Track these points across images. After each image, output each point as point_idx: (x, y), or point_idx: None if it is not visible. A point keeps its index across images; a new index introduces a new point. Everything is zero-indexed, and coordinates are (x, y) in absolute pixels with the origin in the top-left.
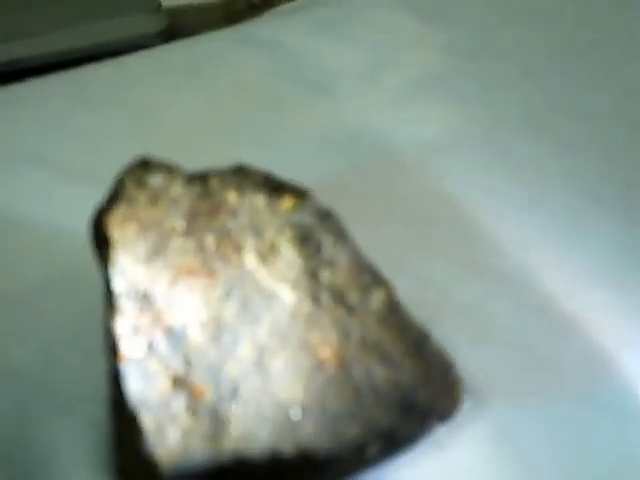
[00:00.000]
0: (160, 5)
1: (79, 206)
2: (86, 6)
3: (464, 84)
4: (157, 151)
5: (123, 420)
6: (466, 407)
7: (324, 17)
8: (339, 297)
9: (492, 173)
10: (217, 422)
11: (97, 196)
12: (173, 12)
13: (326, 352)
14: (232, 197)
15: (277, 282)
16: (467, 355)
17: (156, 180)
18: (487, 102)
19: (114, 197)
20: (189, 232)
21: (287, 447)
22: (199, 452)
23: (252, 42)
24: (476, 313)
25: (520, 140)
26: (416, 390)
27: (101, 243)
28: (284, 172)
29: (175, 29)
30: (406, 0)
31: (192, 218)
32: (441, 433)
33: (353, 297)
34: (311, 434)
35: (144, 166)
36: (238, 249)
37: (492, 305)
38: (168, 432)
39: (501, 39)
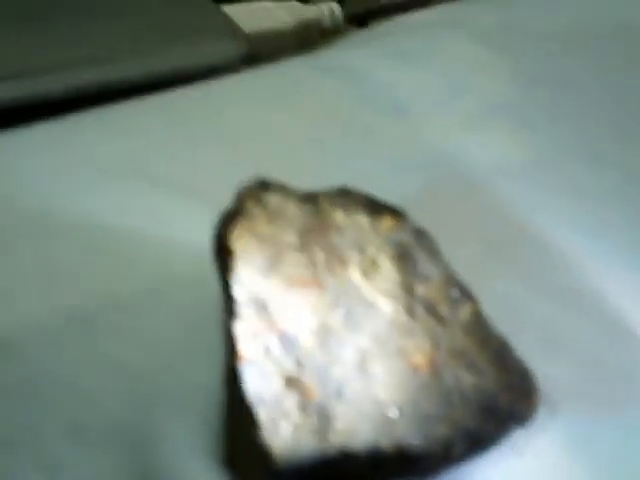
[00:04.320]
0: (241, 31)
1: (183, 220)
2: (169, 31)
3: (530, 112)
4: (248, 169)
5: (237, 417)
6: (542, 414)
7: (397, 46)
8: (431, 309)
9: (558, 199)
10: (324, 419)
11: (195, 213)
12: (249, 37)
13: (419, 359)
14: (339, 216)
15: (377, 294)
16: (541, 367)
17: (273, 199)
18: (552, 130)
19: (235, 213)
20: (302, 247)
21: (385, 443)
22: (308, 446)
23: (330, 69)
24: (549, 329)
25: (585, 167)
26: (498, 395)
27: (222, 254)
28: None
29: (253, 53)
30: (473, 30)
31: (304, 235)
32: (519, 437)
33: (444, 309)
34: (406, 432)
35: (262, 185)
36: (344, 264)
37: (564, 322)
38: (281, 427)
39: (564, 69)
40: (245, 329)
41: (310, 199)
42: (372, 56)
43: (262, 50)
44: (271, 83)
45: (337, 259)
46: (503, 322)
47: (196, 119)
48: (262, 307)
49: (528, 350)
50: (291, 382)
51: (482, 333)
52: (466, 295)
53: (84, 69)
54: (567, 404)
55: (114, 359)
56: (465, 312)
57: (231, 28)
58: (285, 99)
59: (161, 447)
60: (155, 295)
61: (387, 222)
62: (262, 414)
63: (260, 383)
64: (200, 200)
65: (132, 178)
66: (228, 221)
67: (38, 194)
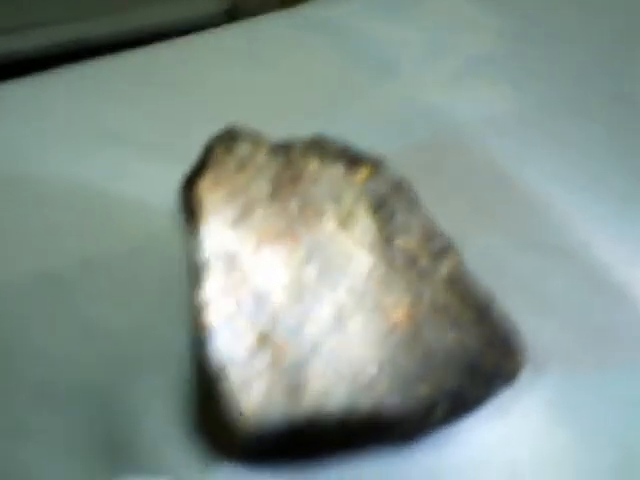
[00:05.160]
0: None
1: (155, 180)
2: None
3: (516, 66)
4: (224, 125)
5: (209, 376)
6: (527, 373)
7: (382, 1)
8: (411, 262)
9: (545, 154)
10: (298, 378)
11: (172, 171)
12: None
13: (399, 315)
14: (313, 166)
15: (354, 247)
16: (526, 324)
17: (243, 148)
18: (537, 84)
19: (203, 163)
20: (274, 198)
21: (362, 404)
22: (281, 406)
23: (313, 24)
24: (534, 285)
25: (570, 122)
26: (482, 354)
27: (191, 207)
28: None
29: (236, 9)
30: None
31: (276, 185)
32: (504, 397)
33: (424, 263)
34: (384, 392)
35: (232, 135)
36: (319, 215)
37: (549, 277)
38: (252, 387)
39: (550, 25)
40: (215, 285)
41: (283, 148)
42: (357, 12)
43: (245, 6)
44: (252, 39)
45: (311, 210)
46: (488, 278)
47: (175, 75)
48: (233, 262)
49: (513, 307)
50: (263, 340)
51: (465, 288)
52: (447, 248)
53: (65, 26)
54: (553, 363)
55: (85, 321)
56: (447, 266)
57: None
58: (266, 55)
59: (133, 412)
60: (128, 256)
61: (364, 172)
62: (232, 374)
63: (231, 342)
64: (175, 157)
65: (107, 138)
66: (196, 172)
67: (8, 155)
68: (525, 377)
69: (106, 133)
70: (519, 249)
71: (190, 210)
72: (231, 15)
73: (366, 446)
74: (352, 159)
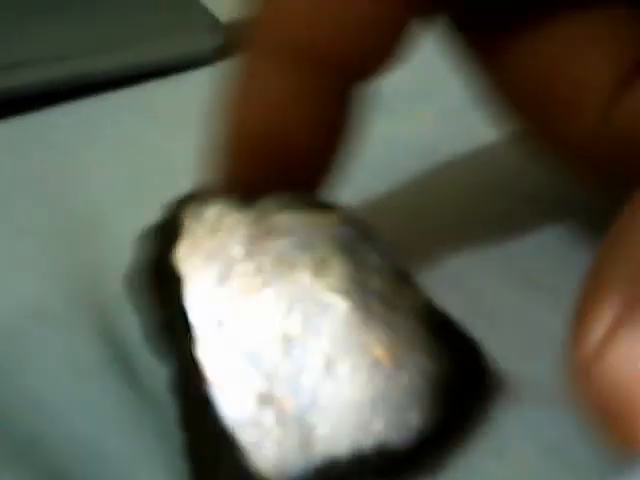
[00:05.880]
0: (218, 21)
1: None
2: (145, 24)
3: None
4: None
5: (211, 446)
6: (506, 407)
7: None
8: (384, 301)
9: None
10: (304, 430)
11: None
12: (226, 27)
13: (380, 352)
14: (283, 218)
15: (330, 293)
16: (504, 354)
17: (212, 211)
18: None
19: (176, 234)
20: (248, 256)
21: (366, 444)
22: (294, 460)
23: None
24: (513, 314)
25: None
26: (456, 381)
27: (169, 279)
28: (341, 189)
29: (230, 45)
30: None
31: (249, 243)
32: (482, 427)
33: (395, 298)
34: (383, 428)
35: (197, 199)
36: (293, 267)
37: (529, 305)
38: (265, 447)
39: None
40: (207, 352)
41: (251, 204)
42: None
43: (238, 41)
44: None
45: (286, 263)
46: (462, 307)
47: (164, 114)
48: (220, 326)
49: (488, 336)
50: (264, 399)
51: (437, 320)
52: (416, 282)
53: (59, 63)
54: (534, 395)
55: (75, 359)
56: (415, 299)
57: (206, 18)
58: None
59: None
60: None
61: (330, 218)
62: (243, 437)
63: (234, 406)
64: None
65: (96, 179)
66: (171, 244)
67: None
68: (504, 410)
69: (98, 172)
70: (496, 276)
71: (169, 282)
72: (225, 50)
73: None
74: (319, 207)
